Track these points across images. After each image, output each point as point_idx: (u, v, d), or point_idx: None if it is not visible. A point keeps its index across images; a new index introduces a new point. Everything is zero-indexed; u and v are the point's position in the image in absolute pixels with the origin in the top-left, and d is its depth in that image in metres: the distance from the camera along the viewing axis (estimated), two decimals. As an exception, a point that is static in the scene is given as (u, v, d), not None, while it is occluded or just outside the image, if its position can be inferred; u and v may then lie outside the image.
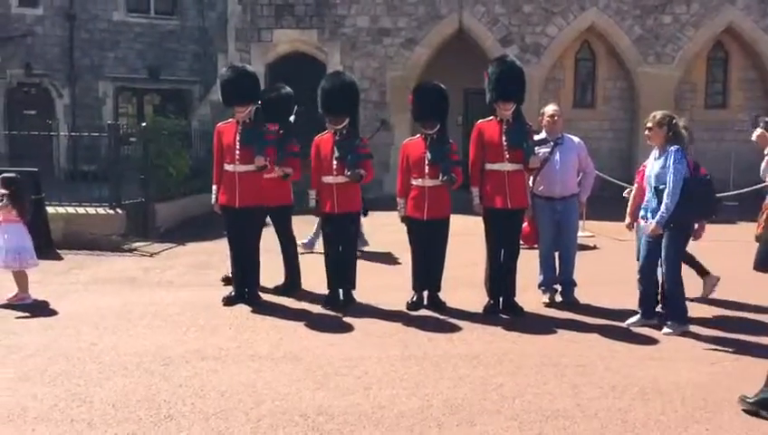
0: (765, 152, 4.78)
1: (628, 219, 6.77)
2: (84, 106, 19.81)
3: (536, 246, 7.37)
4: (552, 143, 6.94)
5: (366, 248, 9.16)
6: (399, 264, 8.46)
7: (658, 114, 6.00)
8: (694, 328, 6.25)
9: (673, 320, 6.04)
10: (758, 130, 4.87)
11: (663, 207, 5.79)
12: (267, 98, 7.39)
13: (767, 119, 4.99)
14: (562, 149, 6.97)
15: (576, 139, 7.19)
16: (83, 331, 6.13)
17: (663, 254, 5.95)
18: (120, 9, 20.00)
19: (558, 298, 7.10)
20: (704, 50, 16.88)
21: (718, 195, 13.02)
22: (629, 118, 16.86)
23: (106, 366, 5.25)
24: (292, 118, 7.59)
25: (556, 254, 7.11)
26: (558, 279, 7.13)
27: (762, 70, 16.73)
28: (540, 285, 7.17)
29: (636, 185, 6.76)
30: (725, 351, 5.72)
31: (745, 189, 11.98)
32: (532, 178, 6.91)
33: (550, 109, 7.15)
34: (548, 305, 7.00)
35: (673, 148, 5.82)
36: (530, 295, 6.98)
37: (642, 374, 5.16)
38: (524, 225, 7.16)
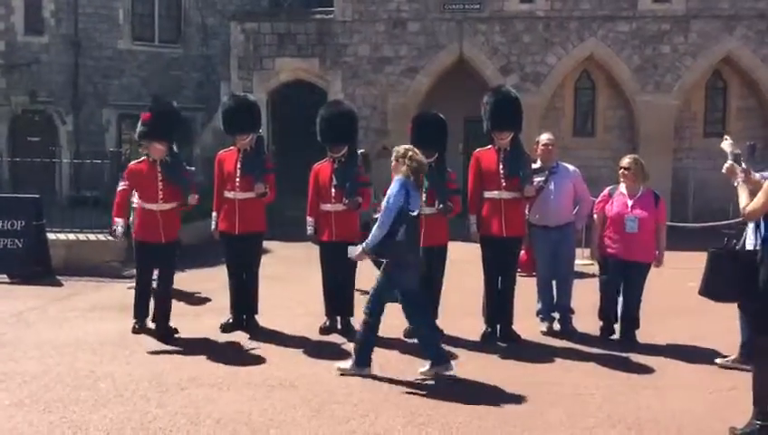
0: (734, 184, 4.82)
1: (594, 250, 6.82)
2: (88, 133, 19.96)
3: (534, 274, 7.39)
4: (546, 172, 6.99)
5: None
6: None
7: (401, 148, 5.82)
8: (690, 357, 6.25)
9: (434, 363, 5.62)
10: (727, 163, 4.91)
11: (371, 234, 5.64)
12: (157, 112, 6.98)
13: (738, 151, 5.00)
14: (557, 178, 7.01)
15: (571, 167, 7.24)
16: (81, 358, 6.13)
17: (400, 292, 5.68)
18: (125, 38, 20.23)
19: (556, 326, 7.10)
20: (702, 79, 17.02)
21: (718, 223, 13.21)
22: (630, 146, 16.89)
23: (102, 393, 5.25)
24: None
25: (554, 282, 7.12)
26: (556, 308, 7.13)
27: (760, 98, 16.84)
28: (538, 314, 7.17)
29: (596, 214, 6.82)
30: (723, 380, 5.71)
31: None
32: (528, 206, 6.94)
33: (544, 137, 7.21)
34: (546, 334, 6.99)
35: (396, 177, 5.68)
36: (528, 323, 6.98)
37: (638, 403, 5.15)
38: (522, 253, 7.18)
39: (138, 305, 6.97)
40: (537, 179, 6.88)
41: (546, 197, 6.93)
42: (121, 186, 7.11)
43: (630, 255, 6.48)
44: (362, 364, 5.69)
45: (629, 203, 6.54)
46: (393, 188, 5.62)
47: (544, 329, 7.05)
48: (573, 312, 7.08)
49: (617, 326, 6.78)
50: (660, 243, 6.64)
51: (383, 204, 5.67)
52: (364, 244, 5.71)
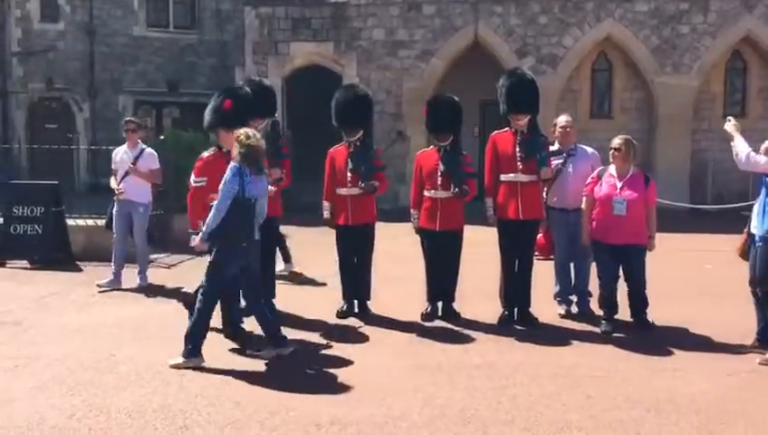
0: None
1: (585, 236, 6.57)
2: (104, 119, 20.08)
3: (552, 257, 7.36)
4: (565, 154, 6.94)
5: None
6: (414, 275, 8.48)
7: (238, 133, 5.65)
8: (709, 339, 6.23)
9: (272, 345, 5.71)
10: (767, 142, 4.87)
11: (206, 222, 5.57)
12: (236, 99, 6.45)
13: None
14: (575, 160, 6.95)
15: (590, 149, 7.17)
16: (102, 341, 6.21)
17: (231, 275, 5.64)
18: (141, 24, 20.30)
19: (574, 309, 7.08)
20: (722, 59, 16.78)
21: (738, 205, 13.08)
22: (647, 128, 16.79)
23: (123, 376, 5.32)
24: None
25: (572, 265, 7.09)
26: (573, 290, 7.11)
27: (781, 79, 16.61)
28: (555, 296, 7.16)
29: (585, 196, 6.58)
30: (740, 362, 5.67)
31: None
32: (546, 189, 6.91)
33: (562, 119, 7.15)
34: (564, 317, 6.98)
35: (231, 165, 5.56)
36: (546, 307, 6.96)
37: (657, 385, 5.14)
38: (539, 236, 7.15)
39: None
40: (555, 162, 6.84)
41: (564, 179, 6.88)
42: (197, 182, 6.07)
43: (620, 238, 6.27)
44: (193, 355, 5.51)
45: (618, 185, 6.34)
46: (227, 175, 5.54)
47: (562, 312, 7.03)
48: (591, 295, 7.05)
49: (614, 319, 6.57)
50: (651, 226, 6.42)
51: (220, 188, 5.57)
52: (201, 233, 5.62)
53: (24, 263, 9.62)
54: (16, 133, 19.70)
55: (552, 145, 6.97)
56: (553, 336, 6.37)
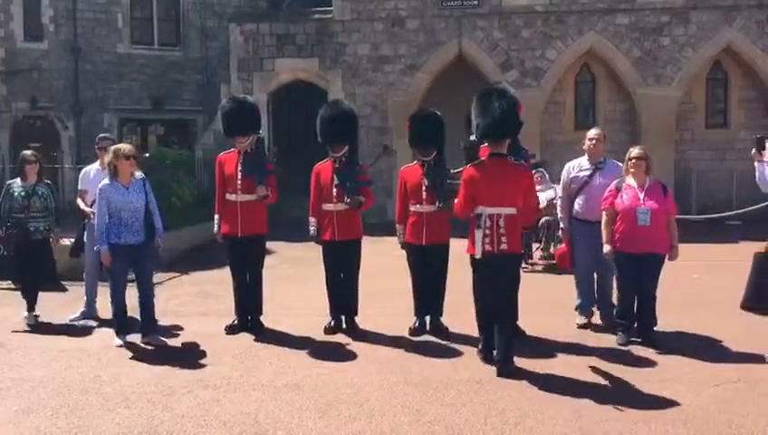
0: None
1: (607, 247, 6.51)
2: (89, 138, 19.79)
3: (571, 269, 7.24)
4: (593, 166, 6.94)
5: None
6: (401, 289, 8.47)
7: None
8: (696, 350, 6.25)
9: None
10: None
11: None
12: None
13: None
14: (603, 173, 6.88)
15: (619, 163, 7.04)
16: (87, 362, 6.15)
17: None
18: (125, 41, 20.22)
19: (594, 320, 7.04)
20: (703, 70, 16.97)
21: (723, 214, 13.17)
22: (631, 139, 16.89)
23: (109, 398, 5.27)
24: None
25: (594, 275, 7.05)
26: (597, 301, 7.08)
27: (761, 89, 16.80)
28: (577, 308, 7.12)
29: (604, 210, 6.54)
30: (727, 373, 5.69)
31: (748, 208, 11.98)
32: (570, 199, 6.93)
33: (592, 132, 7.10)
34: (582, 327, 6.94)
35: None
36: (541, 319, 6.89)
37: (644, 397, 5.15)
38: (561, 246, 7.14)
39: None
40: (582, 174, 6.90)
41: (592, 191, 6.83)
42: None
43: (644, 247, 6.27)
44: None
45: (641, 195, 6.36)
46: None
47: (581, 322, 6.99)
48: (614, 305, 6.97)
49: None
50: (673, 234, 6.44)
51: None
52: None
53: (9, 284, 9.51)
54: (0, 153, 19.57)
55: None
56: (540, 349, 6.36)
